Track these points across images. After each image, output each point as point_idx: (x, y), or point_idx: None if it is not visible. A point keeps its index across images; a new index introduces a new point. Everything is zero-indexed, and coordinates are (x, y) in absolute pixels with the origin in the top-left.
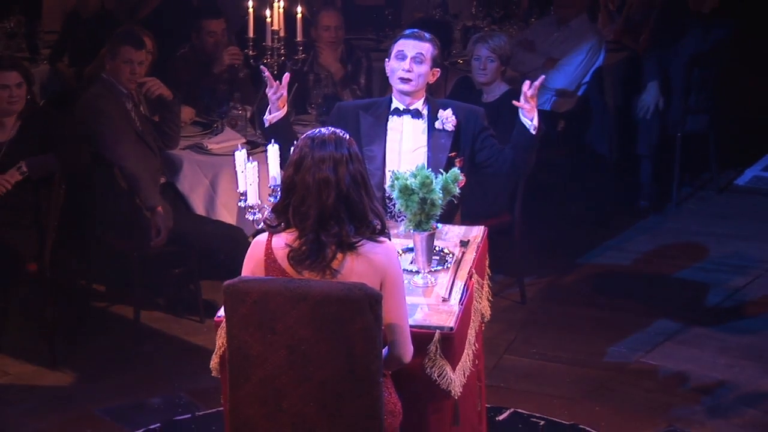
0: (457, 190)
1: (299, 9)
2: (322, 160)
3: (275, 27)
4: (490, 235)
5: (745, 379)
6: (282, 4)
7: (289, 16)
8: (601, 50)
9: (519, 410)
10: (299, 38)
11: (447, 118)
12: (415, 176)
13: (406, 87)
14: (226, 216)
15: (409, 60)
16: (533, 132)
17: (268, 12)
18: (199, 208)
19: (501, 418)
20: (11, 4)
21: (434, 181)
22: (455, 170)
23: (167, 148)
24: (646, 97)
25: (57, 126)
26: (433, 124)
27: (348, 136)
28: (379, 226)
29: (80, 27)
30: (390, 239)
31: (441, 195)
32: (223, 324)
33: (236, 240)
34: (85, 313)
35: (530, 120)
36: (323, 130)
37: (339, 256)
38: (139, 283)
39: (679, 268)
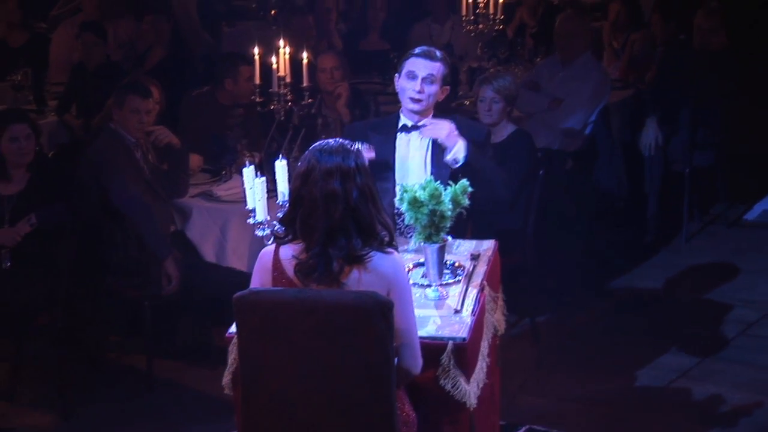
0: (466, 202)
1: (305, 55)
2: (330, 173)
3: (281, 73)
4: (502, 275)
5: (761, 414)
6: (288, 50)
7: (294, 62)
8: (606, 88)
9: (534, 426)
10: (305, 84)
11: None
12: (423, 188)
13: (416, 107)
14: (237, 263)
15: (420, 81)
16: (454, 166)
17: (274, 58)
18: (210, 256)
19: None
20: (18, 57)
21: (443, 192)
22: (464, 182)
23: (176, 196)
24: (645, 135)
25: (66, 177)
26: (436, 140)
27: (356, 148)
28: (387, 238)
29: (86, 78)
30: (398, 250)
31: (450, 207)
32: (235, 339)
33: (247, 287)
34: (98, 363)
35: (449, 153)
36: (330, 141)
37: (346, 268)
38: (151, 331)
39: (690, 303)
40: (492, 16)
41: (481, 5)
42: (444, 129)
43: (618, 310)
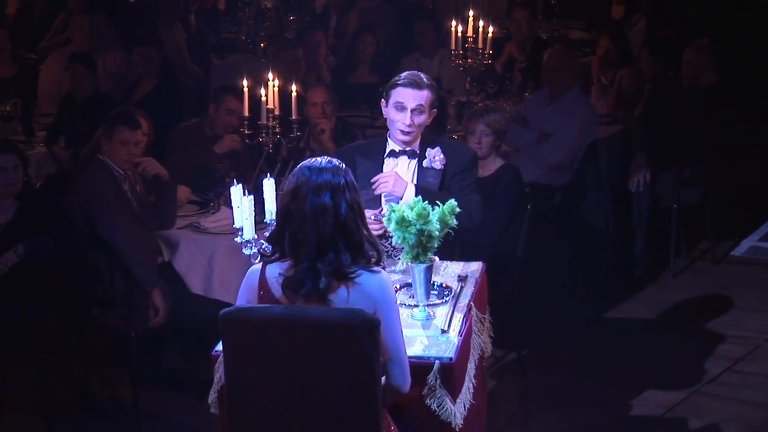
0: (454, 222)
1: (294, 87)
2: (320, 187)
3: (270, 106)
4: (490, 308)
5: None
6: (277, 83)
7: (284, 94)
8: (594, 124)
9: None
10: (294, 116)
11: (434, 157)
12: (411, 208)
13: (407, 138)
14: (224, 295)
15: (409, 113)
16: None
17: (263, 91)
18: (197, 288)
19: None
20: (7, 88)
21: (431, 213)
22: (452, 202)
23: (164, 227)
24: (633, 170)
25: (54, 208)
26: (422, 163)
27: (344, 166)
28: (374, 257)
29: (75, 109)
30: (385, 269)
31: (438, 227)
32: (221, 358)
33: None
34: (84, 394)
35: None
36: (319, 159)
37: (334, 284)
38: (137, 363)
39: (677, 338)
40: (481, 51)
41: (470, 40)
42: (389, 181)
43: (604, 345)
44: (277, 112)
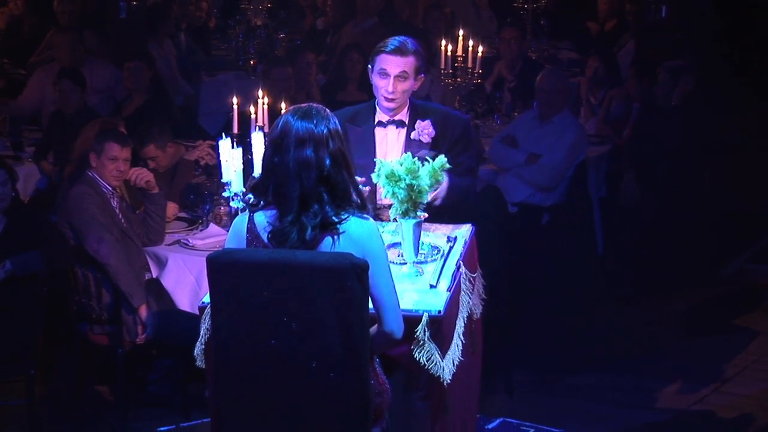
0: (444, 178)
1: (283, 105)
2: (302, 141)
3: (260, 123)
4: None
5: None
6: (266, 100)
7: (273, 112)
8: (584, 145)
9: (509, 419)
10: None
11: (423, 129)
12: (401, 164)
13: (391, 105)
14: None
15: (393, 79)
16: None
17: (252, 108)
18: (184, 304)
19: (491, 426)
20: None
21: (420, 168)
22: (442, 158)
23: (152, 242)
24: (622, 190)
25: (42, 224)
26: (410, 134)
27: (328, 111)
28: (359, 201)
29: (64, 125)
30: (373, 217)
31: (428, 182)
32: (208, 309)
33: None
34: (71, 410)
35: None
36: (303, 105)
37: (319, 236)
38: (124, 379)
39: (665, 359)
40: (470, 70)
41: (460, 59)
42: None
43: (592, 365)
44: (266, 130)
